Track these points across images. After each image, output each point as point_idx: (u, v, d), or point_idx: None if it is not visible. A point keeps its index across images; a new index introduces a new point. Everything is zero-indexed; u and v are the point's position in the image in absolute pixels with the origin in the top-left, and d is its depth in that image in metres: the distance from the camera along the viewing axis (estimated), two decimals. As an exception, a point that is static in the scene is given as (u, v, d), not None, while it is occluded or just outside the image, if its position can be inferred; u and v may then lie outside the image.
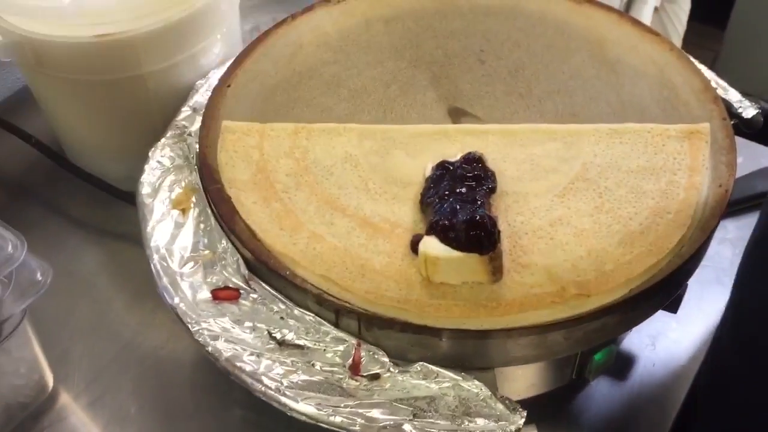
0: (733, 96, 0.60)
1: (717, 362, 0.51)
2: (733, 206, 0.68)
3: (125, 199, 0.63)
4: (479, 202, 0.46)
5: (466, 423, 0.43)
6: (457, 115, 0.56)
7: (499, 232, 0.45)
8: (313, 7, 0.64)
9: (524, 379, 0.52)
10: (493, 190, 0.48)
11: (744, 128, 0.60)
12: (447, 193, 0.47)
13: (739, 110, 0.58)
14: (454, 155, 0.51)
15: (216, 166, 0.52)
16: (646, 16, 1.36)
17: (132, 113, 0.63)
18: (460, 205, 0.45)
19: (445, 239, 0.44)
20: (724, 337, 0.50)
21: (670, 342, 0.60)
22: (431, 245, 0.44)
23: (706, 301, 0.62)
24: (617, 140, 0.52)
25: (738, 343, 0.48)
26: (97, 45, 0.56)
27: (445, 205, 0.45)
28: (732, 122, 0.59)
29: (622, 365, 0.58)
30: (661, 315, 0.54)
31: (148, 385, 0.57)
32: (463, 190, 0.47)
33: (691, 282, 0.53)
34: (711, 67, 0.62)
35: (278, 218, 0.49)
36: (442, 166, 0.49)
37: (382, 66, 0.59)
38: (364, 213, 0.49)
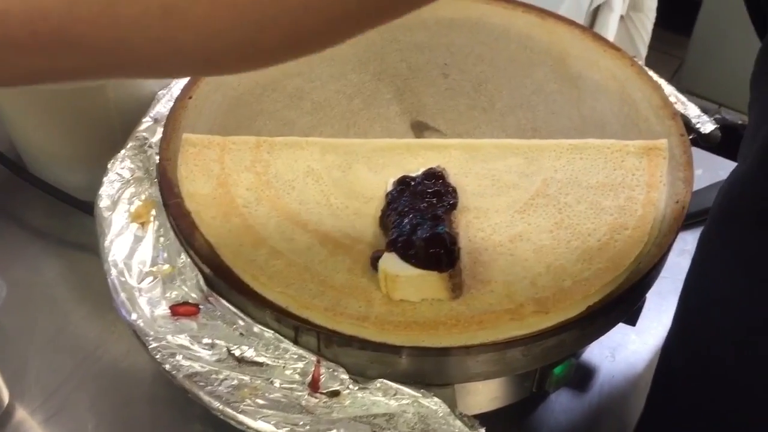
0: (692, 111, 0.61)
1: (665, 365, 0.52)
2: (692, 218, 0.69)
3: (84, 209, 0.63)
4: (439, 219, 0.46)
5: (425, 440, 0.43)
6: (419, 128, 0.56)
7: (458, 249, 0.45)
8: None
9: (485, 393, 0.52)
10: (453, 206, 0.48)
11: (702, 143, 0.61)
12: (407, 209, 0.47)
13: (697, 125, 0.59)
14: (417, 170, 0.51)
15: (176, 180, 0.51)
16: (612, 24, 1.38)
17: (92, 123, 0.62)
18: (420, 222, 0.45)
19: (405, 256, 0.44)
20: (672, 339, 0.51)
21: (630, 353, 0.60)
22: (391, 262, 0.44)
23: (665, 313, 0.63)
24: (577, 156, 0.53)
25: (683, 343, 0.49)
26: (55, 55, 0.55)
27: (405, 222, 0.45)
28: (691, 137, 0.60)
29: (582, 377, 0.58)
30: (620, 327, 0.55)
31: (106, 400, 0.56)
32: (424, 206, 0.47)
33: (650, 294, 0.54)
34: (676, 74, 0.63)
35: (238, 233, 0.48)
36: (403, 182, 0.49)
37: (345, 78, 0.59)
38: (325, 228, 0.49)
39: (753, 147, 0.40)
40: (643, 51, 1.55)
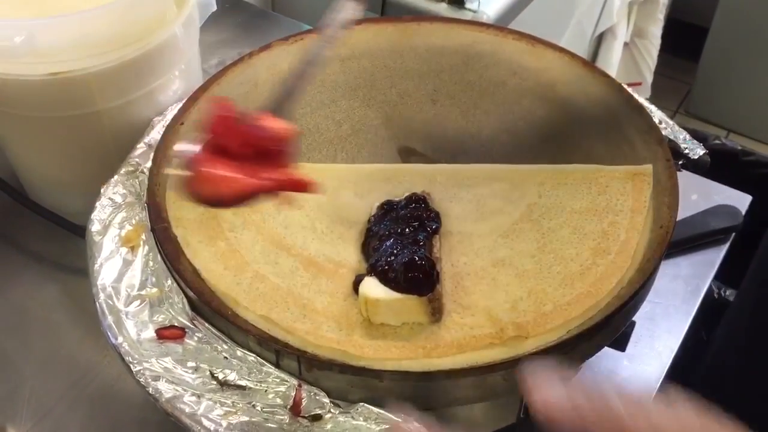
0: (682, 136, 0.61)
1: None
2: (686, 243, 0.69)
3: (80, 233, 0.63)
4: (420, 244, 0.46)
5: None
6: (407, 154, 0.57)
7: (437, 273, 0.45)
8: (271, 45, 0.65)
9: (470, 418, 0.52)
10: (436, 231, 0.49)
11: (692, 168, 0.61)
12: (389, 233, 0.47)
13: (686, 151, 0.59)
14: (402, 195, 0.51)
15: (164, 205, 0.52)
16: (616, 51, 1.39)
17: (88, 149, 0.63)
18: (401, 247, 0.46)
19: (385, 280, 0.44)
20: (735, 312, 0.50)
21: (622, 380, 0.60)
22: (371, 287, 0.45)
23: (658, 339, 0.62)
24: (562, 181, 0.53)
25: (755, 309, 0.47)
26: (50, 83, 0.56)
27: (386, 246, 0.46)
28: (681, 162, 0.60)
29: (572, 403, 0.58)
30: (612, 353, 0.54)
31: (97, 423, 0.57)
32: (406, 230, 0.47)
33: (643, 320, 0.53)
34: (684, 99, 0.63)
35: (223, 257, 0.49)
36: (386, 207, 0.49)
37: (335, 104, 0.60)
38: (309, 253, 0.49)
39: None
40: (649, 77, 1.56)
